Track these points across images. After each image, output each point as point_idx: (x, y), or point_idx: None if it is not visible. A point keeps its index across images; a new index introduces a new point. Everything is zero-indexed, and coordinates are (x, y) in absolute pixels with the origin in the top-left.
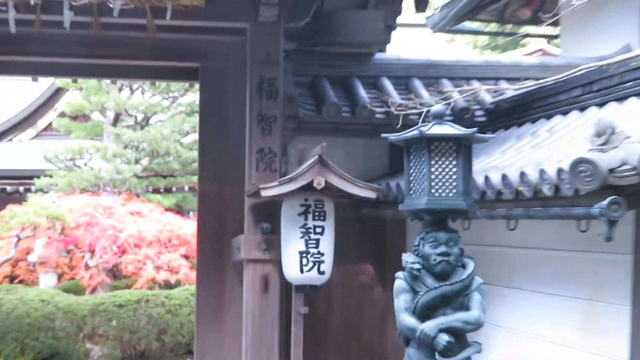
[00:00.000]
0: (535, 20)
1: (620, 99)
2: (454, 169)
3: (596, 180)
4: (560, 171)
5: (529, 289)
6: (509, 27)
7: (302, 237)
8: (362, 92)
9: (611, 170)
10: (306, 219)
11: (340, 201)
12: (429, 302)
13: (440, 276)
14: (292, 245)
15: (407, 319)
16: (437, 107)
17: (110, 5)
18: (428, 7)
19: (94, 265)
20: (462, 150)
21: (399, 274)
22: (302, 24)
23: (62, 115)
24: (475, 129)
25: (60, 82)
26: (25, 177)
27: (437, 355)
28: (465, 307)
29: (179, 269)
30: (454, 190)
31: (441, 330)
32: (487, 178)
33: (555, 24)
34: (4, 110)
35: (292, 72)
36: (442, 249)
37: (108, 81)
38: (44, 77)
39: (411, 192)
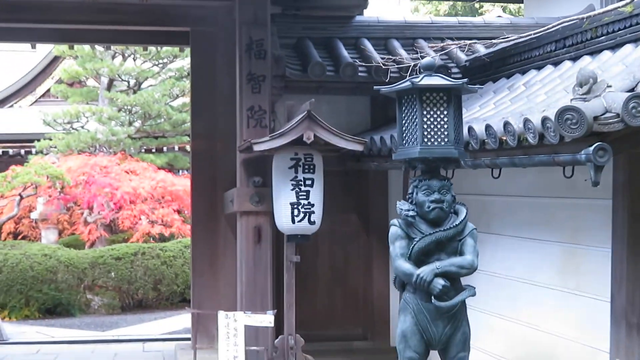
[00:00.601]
0: None
1: (594, 52)
2: (445, 119)
3: (582, 127)
4: (545, 120)
5: (508, 235)
6: None
7: (292, 189)
8: (344, 52)
9: (595, 118)
10: (296, 172)
11: (329, 155)
12: (424, 248)
13: (434, 222)
14: (283, 197)
15: (403, 265)
16: (427, 59)
17: None
18: None
19: (92, 221)
20: (452, 100)
21: (394, 221)
22: None
23: (60, 82)
24: (465, 79)
25: (57, 50)
26: (26, 140)
27: (433, 299)
28: (459, 252)
29: (172, 223)
30: (446, 139)
31: (437, 275)
32: (470, 129)
33: None
34: (4, 78)
35: (277, 35)
36: (436, 196)
37: (102, 49)
38: (42, 43)
39: (404, 142)
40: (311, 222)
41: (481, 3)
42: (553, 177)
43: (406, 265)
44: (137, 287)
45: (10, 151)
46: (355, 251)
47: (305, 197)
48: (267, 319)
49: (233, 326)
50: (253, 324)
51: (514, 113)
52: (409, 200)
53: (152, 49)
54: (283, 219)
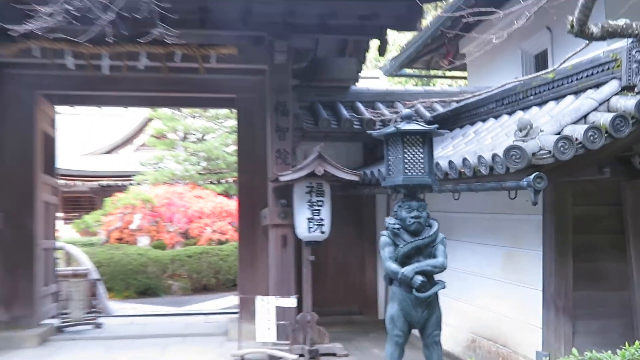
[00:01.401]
0: (449, 66)
1: (525, 108)
2: (422, 155)
3: (523, 161)
4: (494, 156)
5: (465, 241)
6: (432, 72)
7: (308, 208)
8: (344, 111)
9: (533, 154)
10: (311, 196)
11: (334, 184)
12: (406, 252)
13: (414, 233)
14: (301, 214)
15: (391, 265)
16: (407, 111)
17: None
18: (383, 59)
19: (172, 231)
20: (426, 141)
21: (383, 232)
22: (303, 65)
23: (151, 136)
24: (436, 125)
25: (149, 115)
26: (128, 176)
27: (414, 291)
28: (433, 255)
29: (227, 232)
30: (422, 170)
31: (416, 273)
32: (437, 164)
33: (464, 68)
34: (116, 134)
35: (297, 99)
36: (415, 213)
37: (179, 112)
38: (131, 107)
39: (390, 172)
40: (322, 232)
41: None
42: (497, 199)
43: (393, 266)
44: (202, 276)
45: (119, 183)
46: (353, 253)
47: (317, 214)
48: (290, 302)
49: (267, 307)
50: (281, 305)
51: (469, 152)
52: (395, 216)
53: (212, 112)
54: (301, 229)
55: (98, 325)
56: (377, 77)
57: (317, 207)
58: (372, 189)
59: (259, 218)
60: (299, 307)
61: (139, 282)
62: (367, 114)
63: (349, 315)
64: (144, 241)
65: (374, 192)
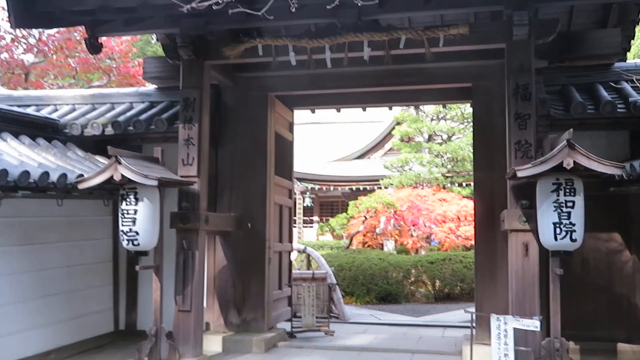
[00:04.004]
0: None
1: None
2: None
3: None
4: None
5: None
6: None
7: (555, 211)
8: (604, 93)
9: None
10: (558, 195)
11: (588, 180)
12: None
13: None
14: (546, 217)
15: None
16: None
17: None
18: None
19: (415, 235)
20: None
21: None
22: (549, 40)
23: (398, 139)
24: None
25: (395, 118)
26: (376, 180)
27: None
28: None
29: (472, 237)
30: None
31: None
32: None
33: None
34: (364, 140)
35: (543, 83)
36: None
37: (423, 113)
38: (365, 105)
39: None
40: (572, 240)
41: None
42: None
43: None
44: (445, 284)
45: (368, 187)
46: (617, 265)
47: (567, 217)
48: (533, 324)
49: (503, 328)
50: (521, 327)
51: None
52: None
53: (456, 111)
54: (546, 236)
55: (330, 332)
56: None
57: (566, 209)
58: None
59: (499, 222)
60: (546, 330)
61: (380, 288)
62: (635, 94)
63: (611, 342)
64: (390, 245)
65: None
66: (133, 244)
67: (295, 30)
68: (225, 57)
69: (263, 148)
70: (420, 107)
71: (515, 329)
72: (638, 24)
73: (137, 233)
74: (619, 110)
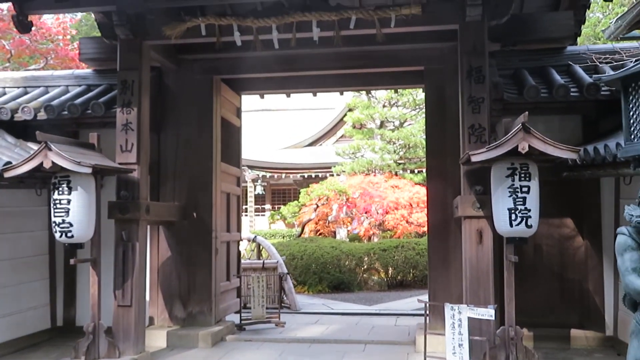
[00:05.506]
0: None
1: None
2: None
3: None
4: None
5: None
6: None
7: (510, 196)
8: (557, 77)
9: None
10: (513, 180)
11: (543, 165)
12: None
13: None
14: (501, 203)
15: (634, 281)
16: None
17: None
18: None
19: (367, 223)
20: None
21: (622, 229)
22: (503, 21)
23: (350, 126)
24: None
25: (347, 105)
26: (328, 167)
27: None
28: None
29: (424, 224)
30: None
31: None
32: None
33: None
34: (316, 128)
35: (496, 66)
36: None
37: (375, 99)
38: (315, 91)
39: (632, 136)
40: (528, 226)
41: None
42: None
43: (638, 282)
44: (398, 271)
45: (320, 174)
46: (569, 252)
47: (522, 202)
48: (488, 313)
49: (458, 317)
50: (475, 317)
51: None
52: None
53: (409, 97)
54: (501, 222)
55: (281, 324)
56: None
57: (521, 194)
58: (596, 170)
59: (451, 208)
60: (500, 319)
61: (332, 277)
62: (588, 78)
63: (564, 329)
64: (342, 233)
65: (598, 175)
66: (67, 236)
67: (240, 9)
68: (166, 37)
69: (208, 134)
70: (372, 93)
71: (470, 319)
72: (589, 8)
73: (70, 224)
74: (572, 94)
